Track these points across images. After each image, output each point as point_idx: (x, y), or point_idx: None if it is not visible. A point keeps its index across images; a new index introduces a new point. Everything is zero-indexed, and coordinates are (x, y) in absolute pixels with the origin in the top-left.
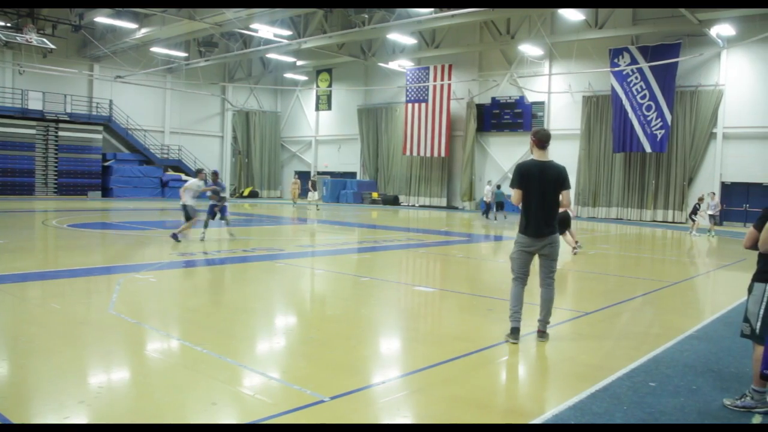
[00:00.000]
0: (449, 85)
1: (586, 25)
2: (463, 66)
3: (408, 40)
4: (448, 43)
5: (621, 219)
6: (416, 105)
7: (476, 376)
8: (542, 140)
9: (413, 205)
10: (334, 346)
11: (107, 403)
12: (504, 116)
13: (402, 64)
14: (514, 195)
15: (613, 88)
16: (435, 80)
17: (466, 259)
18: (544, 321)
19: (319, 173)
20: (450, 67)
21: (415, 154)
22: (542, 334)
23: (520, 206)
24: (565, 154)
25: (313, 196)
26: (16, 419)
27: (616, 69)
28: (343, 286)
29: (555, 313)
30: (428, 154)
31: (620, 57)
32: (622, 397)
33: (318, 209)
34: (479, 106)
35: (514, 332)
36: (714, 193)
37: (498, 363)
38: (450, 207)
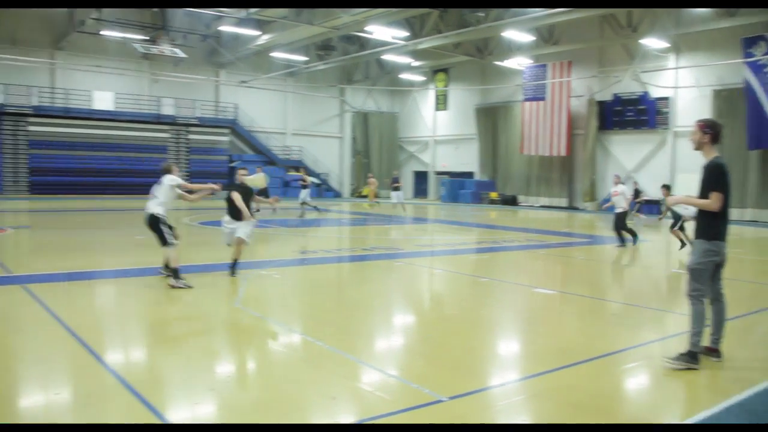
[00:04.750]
0: (568, 82)
1: (715, 14)
2: (582, 62)
3: (525, 38)
4: (566, 39)
5: (756, 221)
6: (534, 103)
7: (599, 382)
8: (720, 134)
9: (533, 206)
10: (453, 346)
11: (234, 392)
12: (627, 113)
13: (519, 62)
14: (716, 199)
15: (746, 81)
16: (553, 77)
17: (588, 261)
18: (719, 338)
19: (437, 173)
20: (569, 63)
21: (533, 153)
22: (717, 353)
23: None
24: (694, 152)
25: (398, 196)
26: (154, 402)
27: (751, 60)
28: (461, 287)
29: (684, 320)
30: (547, 153)
31: (755, 46)
32: (760, 414)
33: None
34: (600, 104)
35: (695, 356)
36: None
37: (623, 370)
38: (571, 208)
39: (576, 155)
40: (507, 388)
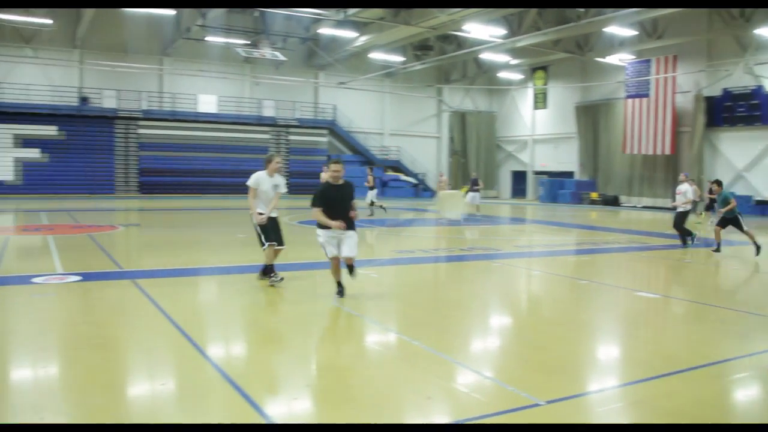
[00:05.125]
0: (674, 77)
1: None
2: (689, 56)
3: (627, 32)
4: (672, 33)
5: None
6: (637, 100)
7: (704, 392)
8: None
9: (635, 206)
10: (550, 349)
11: (330, 389)
12: (737, 109)
13: (621, 58)
14: None
15: None
16: (657, 73)
17: (693, 264)
18: None
19: (535, 173)
20: (675, 58)
21: (636, 151)
22: None
23: None
24: None
25: (474, 198)
26: (253, 395)
27: None
28: (560, 289)
29: None
30: (651, 152)
31: None
32: None
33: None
34: (708, 99)
35: None
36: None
37: (730, 380)
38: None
39: (681, 154)
40: (606, 394)
